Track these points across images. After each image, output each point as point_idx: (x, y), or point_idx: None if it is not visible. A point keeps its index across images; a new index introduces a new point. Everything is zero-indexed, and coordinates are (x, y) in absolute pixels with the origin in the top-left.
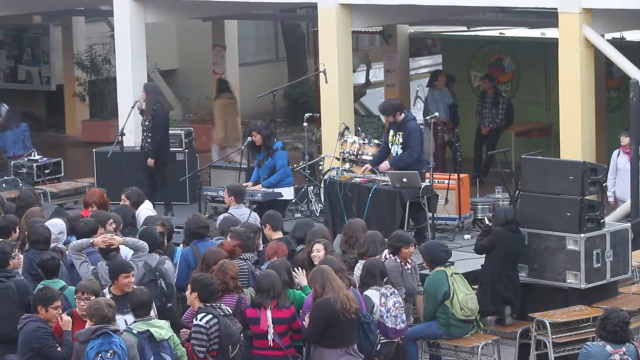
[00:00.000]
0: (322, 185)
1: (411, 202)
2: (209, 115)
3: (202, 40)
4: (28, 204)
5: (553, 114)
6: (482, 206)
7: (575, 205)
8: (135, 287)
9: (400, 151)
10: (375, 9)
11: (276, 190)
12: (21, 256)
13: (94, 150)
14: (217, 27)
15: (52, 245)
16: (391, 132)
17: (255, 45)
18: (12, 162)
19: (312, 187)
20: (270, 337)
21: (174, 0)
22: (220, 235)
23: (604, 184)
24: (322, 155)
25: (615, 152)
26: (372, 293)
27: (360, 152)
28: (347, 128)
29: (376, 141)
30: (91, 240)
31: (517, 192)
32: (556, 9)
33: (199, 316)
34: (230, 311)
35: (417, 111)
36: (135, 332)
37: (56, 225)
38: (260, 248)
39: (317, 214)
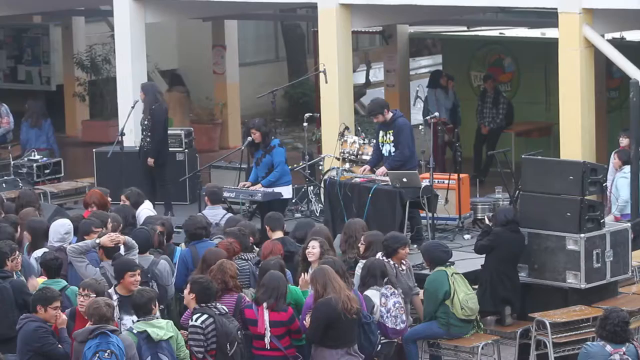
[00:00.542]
0: (322, 185)
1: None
2: (209, 115)
3: (202, 40)
4: (28, 203)
5: (553, 114)
6: (482, 206)
7: (575, 205)
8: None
9: (393, 149)
10: (375, 9)
11: (275, 189)
12: (20, 259)
13: (94, 150)
14: (217, 27)
15: (58, 245)
16: (381, 133)
17: (255, 45)
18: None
19: (312, 187)
20: (267, 340)
21: (174, 0)
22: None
23: (604, 184)
24: (322, 155)
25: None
26: (373, 293)
27: (360, 152)
28: (347, 128)
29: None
30: (98, 241)
31: (517, 192)
32: (556, 9)
33: (194, 317)
34: (226, 310)
35: (417, 111)
36: (135, 332)
37: (63, 225)
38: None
39: (317, 214)
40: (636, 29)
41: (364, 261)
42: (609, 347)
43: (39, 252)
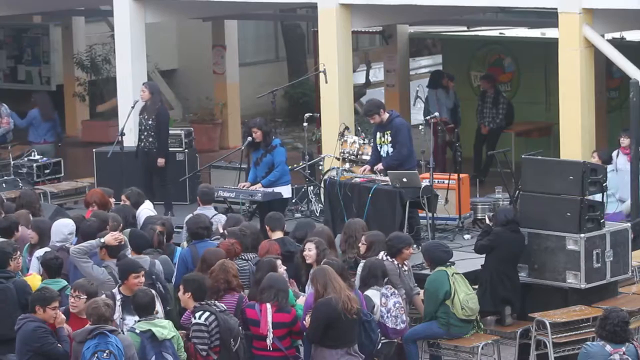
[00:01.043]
0: (322, 185)
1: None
2: (209, 115)
3: (202, 40)
4: (28, 203)
5: (553, 114)
6: (482, 206)
7: (575, 205)
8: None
9: (391, 150)
10: (375, 9)
11: (274, 189)
12: (21, 259)
13: (94, 150)
14: (217, 27)
15: (60, 244)
16: (378, 135)
17: (255, 45)
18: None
19: (312, 187)
20: (269, 341)
21: (174, 0)
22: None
23: (604, 184)
24: (322, 155)
25: (615, 153)
26: (373, 293)
27: (360, 152)
28: (347, 128)
29: None
30: (102, 240)
31: (517, 192)
32: (556, 9)
33: (197, 314)
34: (225, 307)
35: (417, 111)
36: (138, 331)
37: (66, 225)
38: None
39: (317, 214)
40: (636, 29)
41: (364, 261)
42: (608, 347)
43: (40, 252)
